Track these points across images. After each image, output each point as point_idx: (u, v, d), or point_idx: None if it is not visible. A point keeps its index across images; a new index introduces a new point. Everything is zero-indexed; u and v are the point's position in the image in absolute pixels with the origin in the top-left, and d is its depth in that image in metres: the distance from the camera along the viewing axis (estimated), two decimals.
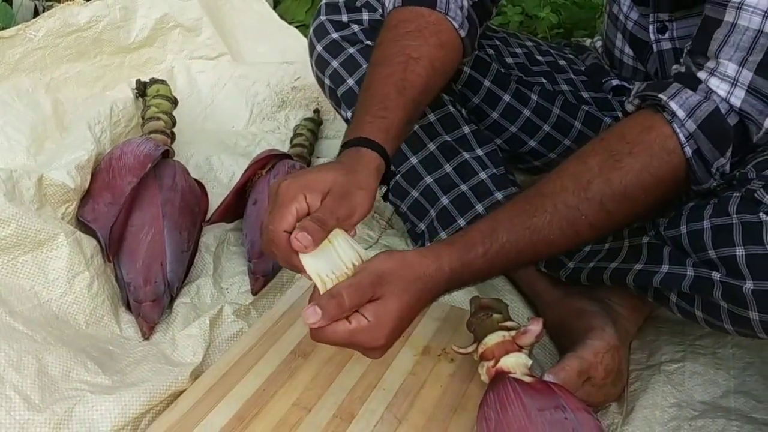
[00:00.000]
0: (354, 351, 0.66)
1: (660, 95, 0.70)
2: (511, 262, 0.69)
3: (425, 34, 0.81)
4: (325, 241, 0.66)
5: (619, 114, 1.05)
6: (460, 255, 0.67)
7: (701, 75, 0.70)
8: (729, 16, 0.68)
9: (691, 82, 0.70)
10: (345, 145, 0.73)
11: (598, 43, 1.11)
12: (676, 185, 0.72)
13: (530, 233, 0.68)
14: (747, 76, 0.68)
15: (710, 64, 0.70)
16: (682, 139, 0.69)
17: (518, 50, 1.07)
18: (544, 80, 1.05)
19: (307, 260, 0.65)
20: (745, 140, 0.71)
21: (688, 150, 0.69)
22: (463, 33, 0.84)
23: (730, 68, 0.68)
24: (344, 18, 0.97)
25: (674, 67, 0.74)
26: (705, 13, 0.71)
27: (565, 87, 1.05)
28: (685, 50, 0.73)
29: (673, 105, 0.69)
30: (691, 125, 0.69)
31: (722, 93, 0.69)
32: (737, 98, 0.69)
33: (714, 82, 0.69)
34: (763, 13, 0.67)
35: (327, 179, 0.68)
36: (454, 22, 0.83)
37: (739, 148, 0.71)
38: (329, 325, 0.62)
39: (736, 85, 0.68)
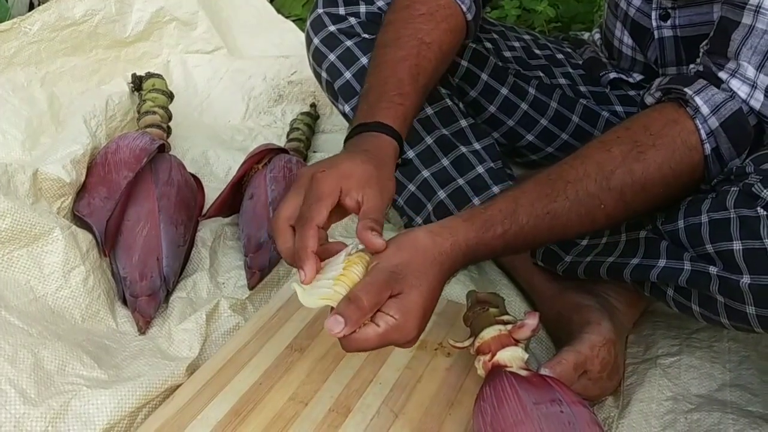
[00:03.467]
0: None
1: (686, 89, 0.71)
2: (527, 243, 0.70)
3: (437, 18, 0.82)
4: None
5: (617, 108, 1.05)
6: (478, 233, 0.66)
7: (722, 75, 0.70)
8: (747, 19, 0.68)
9: (713, 80, 0.71)
10: (363, 127, 0.73)
11: (596, 36, 1.11)
12: (693, 182, 0.72)
13: (550, 218, 0.69)
14: (765, 80, 0.69)
15: (731, 65, 0.70)
16: (703, 135, 0.70)
17: (516, 44, 1.07)
18: (541, 74, 1.05)
19: (305, 298, 0.64)
20: (759, 142, 0.71)
21: (707, 147, 0.70)
22: (470, 17, 0.86)
23: (750, 71, 0.69)
24: (341, 11, 0.97)
25: (691, 66, 0.75)
26: (722, 14, 0.71)
27: (562, 81, 1.05)
28: (702, 50, 0.74)
29: (698, 100, 0.70)
30: (713, 122, 0.69)
31: (743, 95, 0.69)
32: (757, 101, 0.69)
33: (735, 84, 0.70)
34: None
35: (364, 172, 0.67)
36: (462, 6, 0.85)
37: (751, 150, 0.71)
38: (358, 334, 0.61)
39: (756, 87, 0.69)
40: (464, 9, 0.85)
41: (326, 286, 0.64)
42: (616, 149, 0.70)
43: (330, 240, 0.69)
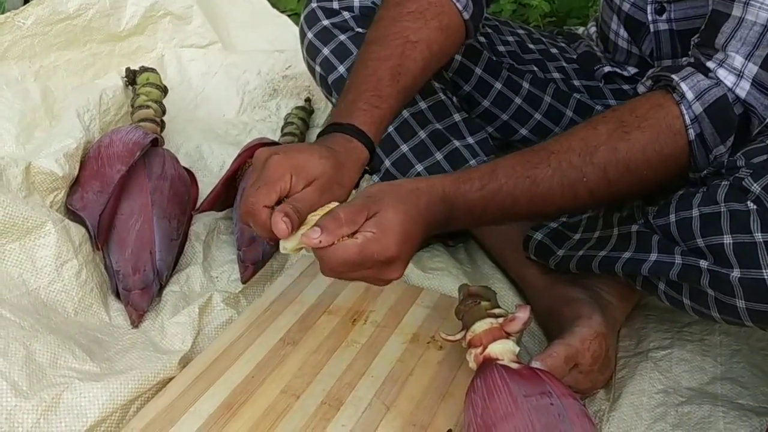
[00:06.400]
0: (366, 285, 0.66)
1: (672, 75, 0.72)
2: (505, 208, 0.70)
3: (426, 16, 0.81)
4: None
5: (611, 102, 1.05)
6: (454, 182, 0.68)
7: (710, 65, 0.71)
8: (737, 11, 0.69)
9: (702, 69, 0.71)
10: (336, 126, 0.73)
11: (592, 29, 1.11)
12: (678, 168, 0.72)
13: (530, 183, 0.69)
14: (752, 69, 0.69)
15: (719, 55, 0.71)
16: (688, 120, 0.70)
17: (510, 38, 1.07)
18: (535, 68, 1.05)
19: (282, 244, 0.65)
20: (746, 132, 0.71)
21: (692, 132, 0.71)
22: (466, 15, 0.85)
23: (737, 61, 0.70)
24: (335, 5, 0.97)
25: (683, 59, 0.75)
26: (713, 7, 0.72)
27: (556, 75, 1.05)
28: (693, 43, 0.74)
29: (683, 86, 0.70)
30: (697, 108, 0.70)
31: (729, 84, 0.70)
32: (743, 90, 0.70)
33: (722, 73, 0.70)
34: None
35: (317, 168, 0.67)
36: (458, 4, 0.84)
37: (738, 139, 0.71)
38: (337, 246, 0.61)
39: (742, 77, 0.70)
40: (460, 8, 0.84)
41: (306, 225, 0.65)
42: (602, 127, 0.71)
43: None
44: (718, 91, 0.70)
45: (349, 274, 0.64)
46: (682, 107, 0.71)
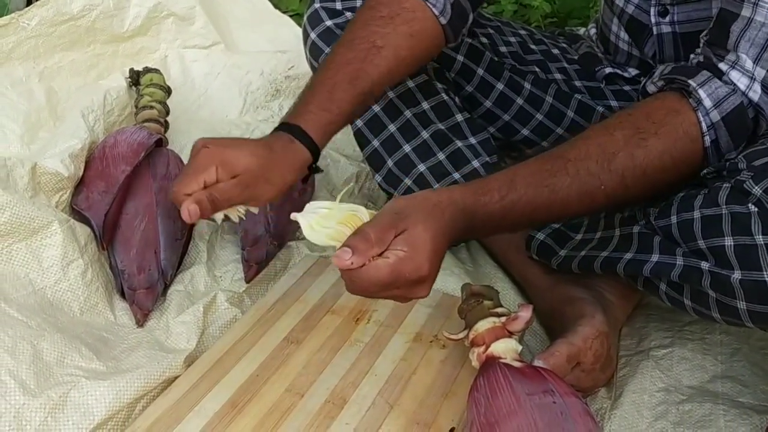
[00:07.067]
0: (393, 302, 0.65)
1: (689, 81, 0.71)
2: (525, 216, 0.70)
3: (396, 22, 0.81)
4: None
5: (612, 103, 1.06)
6: (474, 194, 0.67)
7: (722, 67, 0.71)
8: (746, 11, 0.69)
9: (714, 71, 0.71)
10: (285, 126, 0.76)
11: (593, 31, 1.11)
12: (691, 172, 0.73)
13: (548, 192, 0.69)
14: (761, 73, 0.69)
15: (731, 56, 0.70)
16: (704, 128, 0.70)
17: (512, 39, 1.07)
18: (537, 69, 1.05)
19: (312, 234, 0.65)
20: (754, 134, 0.72)
21: (707, 139, 0.71)
22: (443, 20, 0.84)
23: (749, 63, 0.70)
24: (338, 5, 0.98)
25: (691, 56, 0.75)
26: (721, 6, 0.72)
27: (558, 76, 1.06)
28: (702, 41, 0.74)
29: (701, 93, 0.70)
30: (715, 116, 0.70)
31: (742, 87, 0.70)
32: (755, 93, 0.70)
33: (735, 75, 0.70)
34: None
35: (243, 163, 0.70)
36: (434, 9, 0.83)
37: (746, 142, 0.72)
38: (368, 266, 0.60)
39: (754, 80, 0.70)
40: (436, 12, 0.83)
41: (331, 227, 0.64)
42: (619, 133, 0.71)
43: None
44: (735, 99, 0.70)
45: (379, 293, 0.63)
46: (699, 114, 0.70)
